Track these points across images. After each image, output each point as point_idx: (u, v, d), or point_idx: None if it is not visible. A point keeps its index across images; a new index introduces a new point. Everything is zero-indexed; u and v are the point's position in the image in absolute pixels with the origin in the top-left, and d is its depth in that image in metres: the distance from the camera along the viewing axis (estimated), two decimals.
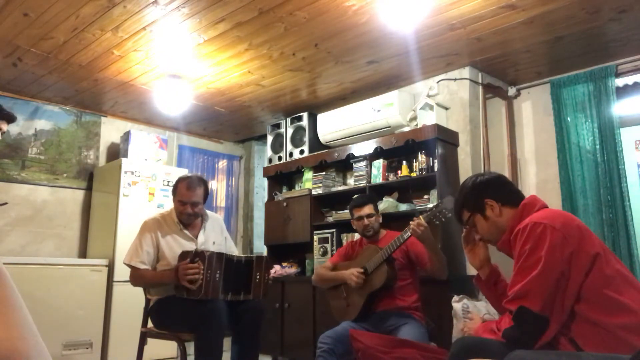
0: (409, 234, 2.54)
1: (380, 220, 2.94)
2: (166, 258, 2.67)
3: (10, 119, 2.50)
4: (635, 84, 3.52)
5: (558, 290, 1.42)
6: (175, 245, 2.71)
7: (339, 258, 3.00)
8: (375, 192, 3.87)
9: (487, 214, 1.70)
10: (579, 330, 1.41)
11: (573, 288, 1.43)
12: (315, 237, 4.20)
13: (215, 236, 2.88)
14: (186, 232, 2.77)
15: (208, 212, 2.91)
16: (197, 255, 2.52)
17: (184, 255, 2.57)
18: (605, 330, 1.37)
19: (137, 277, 2.67)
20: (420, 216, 2.53)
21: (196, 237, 2.79)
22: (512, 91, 4.02)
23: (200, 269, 2.47)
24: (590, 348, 1.37)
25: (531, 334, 1.43)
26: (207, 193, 2.79)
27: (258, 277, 2.70)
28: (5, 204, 3.83)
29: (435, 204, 2.57)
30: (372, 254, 2.72)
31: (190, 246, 2.72)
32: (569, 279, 1.43)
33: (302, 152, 4.59)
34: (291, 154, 4.68)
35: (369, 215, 2.85)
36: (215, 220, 2.95)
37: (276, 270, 4.25)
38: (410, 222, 2.53)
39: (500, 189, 1.71)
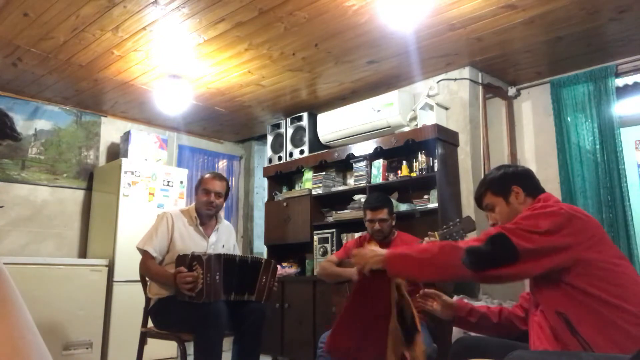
0: None
1: (394, 222, 2.92)
2: (176, 250, 2.69)
3: (14, 139, 2.49)
4: (635, 84, 3.52)
5: (547, 249, 1.42)
6: (188, 239, 2.76)
7: (346, 254, 2.98)
8: (375, 192, 3.87)
9: (511, 199, 1.72)
10: (574, 308, 1.42)
11: (566, 257, 1.43)
12: (315, 237, 4.20)
13: (225, 240, 2.94)
14: (201, 228, 2.82)
15: (223, 219, 2.99)
16: (195, 259, 2.51)
17: (181, 259, 2.56)
18: (604, 304, 1.38)
19: (145, 266, 2.71)
20: (436, 233, 2.45)
21: (208, 237, 2.84)
22: (512, 91, 4.02)
23: (200, 274, 2.46)
24: (586, 325, 1.37)
25: (497, 257, 1.42)
26: (228, 189, 2.90)
27: (264, 280, 2.71)
28: (1, 207, 3.83)
29: (453, 222, 2.46)
30: None
31: (201, 243, 2.77)
32: (567, 249, 1.43)
33: (302, 152, 4.59)
34: (291, 154, 4.68)
35: (381, 220, 2.81)
36: (227, 226, 3.02)
37: None
38: (425, 238, 2.45)
39: (527, 180, 1.75)
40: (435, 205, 3.54)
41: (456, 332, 2.89)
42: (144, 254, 2.70)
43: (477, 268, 1.42)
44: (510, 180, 1.74)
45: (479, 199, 1.84)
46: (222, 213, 2.97)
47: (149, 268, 2.68)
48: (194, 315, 2.46)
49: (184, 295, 2.50)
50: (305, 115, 4.63)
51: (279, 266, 4.30)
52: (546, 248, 1.42)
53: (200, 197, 2.80)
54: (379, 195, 2.99)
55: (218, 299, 2.51)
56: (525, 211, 1.56)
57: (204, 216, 2.84)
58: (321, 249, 4.13)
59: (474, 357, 1.43)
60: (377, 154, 3.93)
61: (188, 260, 2.51)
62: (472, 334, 1.91)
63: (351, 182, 4.29)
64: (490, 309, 1.80)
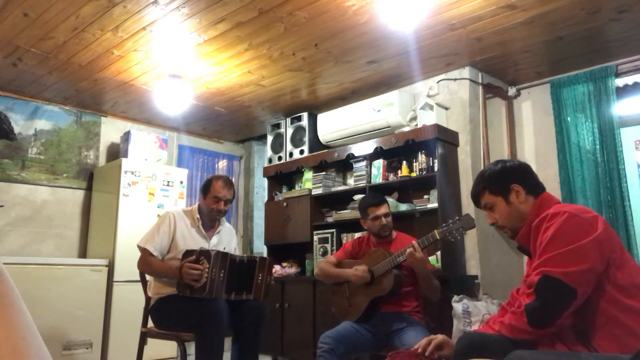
0: (403, 258, 2.54)
1: None
2: (177, 250, 2.70)
3: (10, 139, 2.49)
4: (635, 84, 3.52)
5: (588, 263, 1.38)
6: (189, 239, 2.77)
7: (344, 254, 2.98)
8: (375, 192, 3.87)
9: (511, 199, 1.67)
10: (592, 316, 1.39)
11: (603, 263, 1.40)
12: (315, 237, 4.20)
13: (227, 242, 2.95)
14: (202, 230, 2.83)
15: (225, 221, 3.01)
16: (202, 254, 2.54)
17: (188, 253, 2.58)
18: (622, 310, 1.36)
19: (145, 262, 2.70)
20: (436, 231, 2.49)
21: (210, 238, 2.85)
22: (512, 91, 4.02)
23: (205, 268, 2.48)
24: (601, 336, 1.36)
25: (556, 302, 1.35)
26: (234, 194, 2.91)
27: (260, 278, 2.72)
28: (1, 206, 3.83)
29: (453, 220, 2.48)
30: (379, 258, 2.68)
31: (203, 244, 2.78)
32: (602, 256, 1.40)
33: (302, 152, 4.59)
34: (291, 154, 4.68)
35: (386, 215, 2.81)
36: (229, 229, 3.04)
37: (276, 270, 4.25)
38: (422, 238, 2.53)
39: (526, 177, 1.70)
40: (435, 205, 3.54)
41: (456, 332, 2.89)
42: (144, 251, 2.70)
43: (545, 325, 1.37)
44: (509, 178, 1.68)
45: (475, 198, 1.77)
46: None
47: (149, 263, 2.69)
48: (196, 314, 2.46)
49: (185, 289, 2.51)
50: (305, 115, 4.63)
51: (278, 266, 4.32)
52: (592, 262, 1.39)
53: (209, 203, 2.80)
54: (374, 193, 3.00)
55: (219, 296, 2.52)
56: (545, 223, 1.50)
57: (207, 218, 2.85)
58: (321, 249, 4.13)
59: (475, 356, 1.42)
60: (377, 154, 3.93)
61: (195, 255, 2.54)
62: (473, 331, 1.89)
63: (351, 182, 4.28)
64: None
